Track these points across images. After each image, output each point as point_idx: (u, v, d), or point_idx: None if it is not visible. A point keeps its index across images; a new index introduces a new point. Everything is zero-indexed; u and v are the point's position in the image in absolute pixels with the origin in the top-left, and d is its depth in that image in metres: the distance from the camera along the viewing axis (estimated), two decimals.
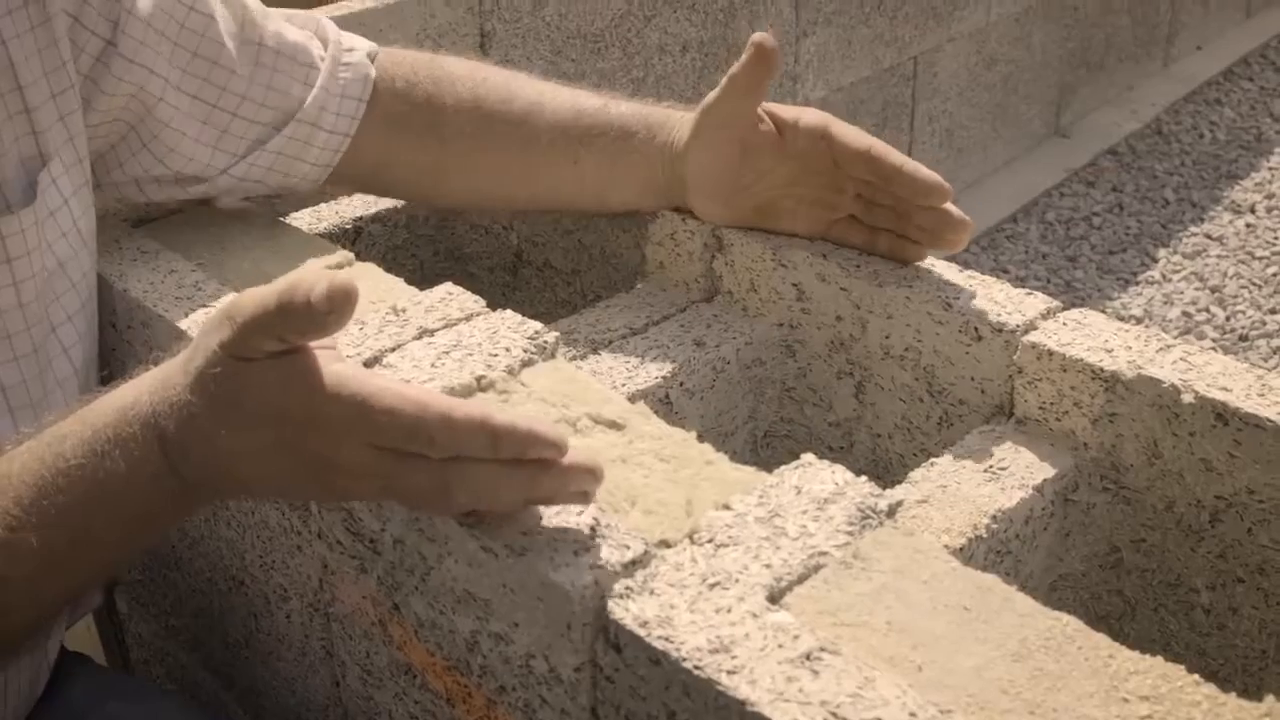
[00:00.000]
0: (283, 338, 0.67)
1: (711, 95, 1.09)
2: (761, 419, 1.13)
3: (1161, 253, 3.11)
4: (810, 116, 1.07)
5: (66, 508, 0.74)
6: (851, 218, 1.07)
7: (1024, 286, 2.56)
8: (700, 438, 0.84)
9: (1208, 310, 2.84)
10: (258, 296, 0.67)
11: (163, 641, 1.29)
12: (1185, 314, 2.85)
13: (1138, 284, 2.98)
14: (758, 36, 1.05)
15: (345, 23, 1.81)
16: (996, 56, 3.28)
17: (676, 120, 1.11)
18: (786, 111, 1.08)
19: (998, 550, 0.87)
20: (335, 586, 0.92)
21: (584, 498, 0.70)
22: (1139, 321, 2.82)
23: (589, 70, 2.19)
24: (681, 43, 2.37)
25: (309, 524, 0.92)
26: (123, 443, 0.73)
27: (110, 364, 1.10)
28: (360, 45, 1.15)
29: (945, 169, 3.13)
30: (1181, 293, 2.93)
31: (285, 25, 1.11)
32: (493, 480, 0.67)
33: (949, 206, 1.03)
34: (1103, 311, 2.80)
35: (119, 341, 1.09)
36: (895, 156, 1.04)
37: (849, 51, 2.77)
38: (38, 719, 1.01)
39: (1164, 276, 3.00)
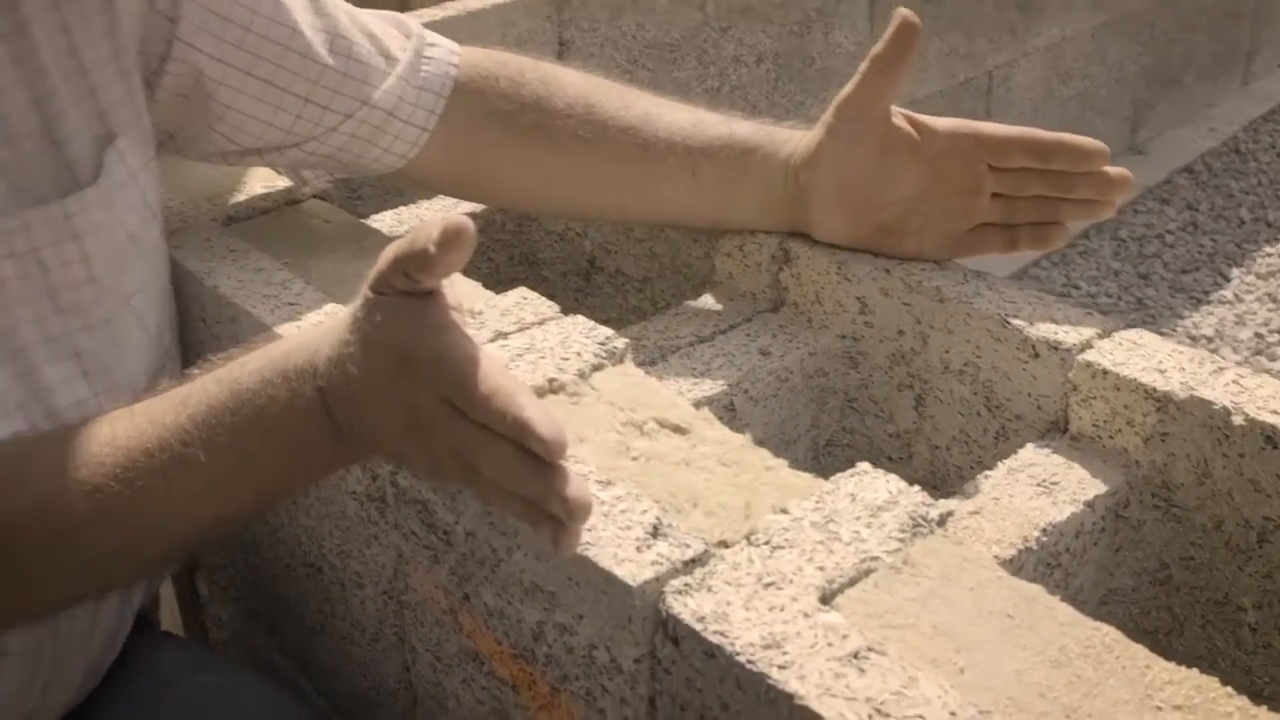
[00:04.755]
0: (410, 275, 0.72)
1: (847, 87, 1.08)
2: (824, 428, 1.16)
3: (1235, 272, 3.10)
4: (946, 119, 1.09)
5: (234, 429, 0.79)
6: (983, 225, 1.09)
7: (1095, 303, 2.55)
8: (761, 444, 0.87)
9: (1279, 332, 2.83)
10: (396, 242, 0.73)
11: (241, 624, 1.34)
12: (1257, 335, 2.84)
13: (1210, 303, 2.98)
14: (902, 11, 1.05)
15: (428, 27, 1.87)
16: (1072, 72, 3.28)
17: (799, 137, 1.11)
18: (920, 115, 1.09)
19: (1047, 562, 0.90)
20: (409, 575, 0.96)
21: (560, 529, 0.70)
22: (1210, 341, 2.82)
23: (664, 80, 2.23)
24: (756, 54, 2.40)
25: (385, 515, 0.96)
26: (287, 376, 0.79)
27: (198, 358, 1.15)
28: (445, 44, 1.15)
29: None
30: (1254, 313, 2.92)
31: (365, 15, 1.13)
32: (502, 459, 0.70)
33: (1106, 167, 1.05)
34: (1173, 330, 2.81)
35: (208, 335, 1.14)
36: (1050, 133, 1.06)
37: (923, 65, 2.79)
38: (127, 686, 1.07)
39: (1236, 297, 2.99)
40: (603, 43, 2.13)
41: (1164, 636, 1.00)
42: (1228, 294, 3.01)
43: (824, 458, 1.17)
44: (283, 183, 1.26)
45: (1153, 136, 3.67)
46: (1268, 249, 3.20)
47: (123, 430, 0.83)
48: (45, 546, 0.83)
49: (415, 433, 0.76)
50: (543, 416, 0.69)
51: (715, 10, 2.30)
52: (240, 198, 1.25)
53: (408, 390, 0.74)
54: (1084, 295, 2.94)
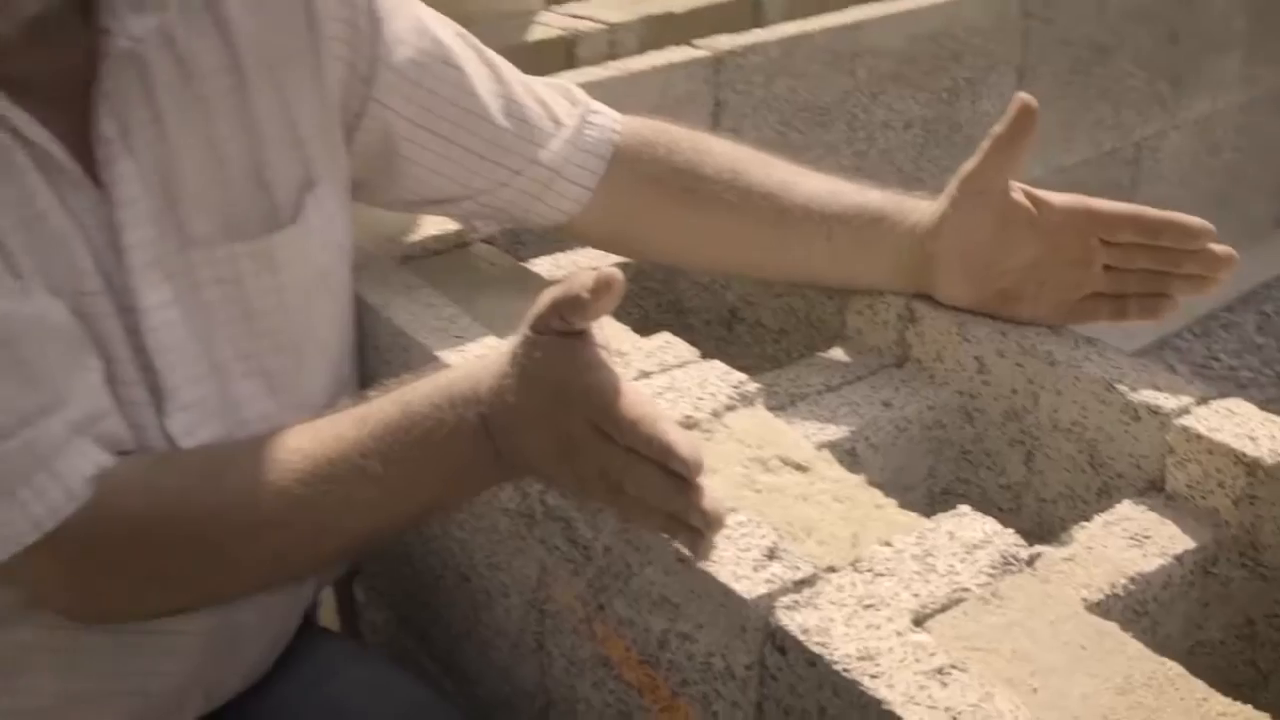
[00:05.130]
0: (565, 317, 0.84)
1: (970, 162, 1.18)
2: (939, 477, 1.24)
3: None
4: (1062, 194, 1.18)
5: (406, 446, 0.93)
6: (1095, 294, 1.18)
7: (1235, 376, 2.57)
8: (879, 487, 0.97)
9: None
10: (553, 287, 0.86)
11: (393, 629, 1.47)
12: None
13: None
14: (1021, 96, 1.14)
15: (591, 90, 1.98)
16: (1221, 144, 3.29)
17: (925, 206, 1.21)
18: (1037, 190, 1.18)
19: (1134, 609, 0.97)
20: (550, 586, 1.07)
21: (697, 538, 0.83)
22: None
23: (814, 142, 2.33)
24: (905, 119, 2.49)
25: (533, 530, 1.07)
26: (454, 402, 0.92)
27: (374, 380, 1.27)
28: (608, 112, 1.28)
29: None
30: None
31: (536, 83, 1.26)
32: (647, 478, 0.82)
33: (1213, 245, 1.14)
34: None
35: (381, 362, 1.27)
36: (1159, 211, 1.15)
37: (1070, 134, 2.84)
38: (292, 675, 1.19)
39: None
40: (756, 105, 2.24)
41: (1249, 690, 1.06)
42: None
43: (939, 505, 1.25)
44: (454, 226, 1.39)
45: None
46: None
47: (309, 441, 0.96)
48: (238, 539, 0.97)
49: (566, 456, 0.87)
50: (683, 439, 0.81)
51: (866, 77, 2.40)
52: (415, 239, 1.38)
53: (561, 418, 0.86)
54: (1224, 368, 2.96)
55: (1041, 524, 1.18)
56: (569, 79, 2.03)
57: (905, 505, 0.95)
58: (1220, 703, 0.75)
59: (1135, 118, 3.00)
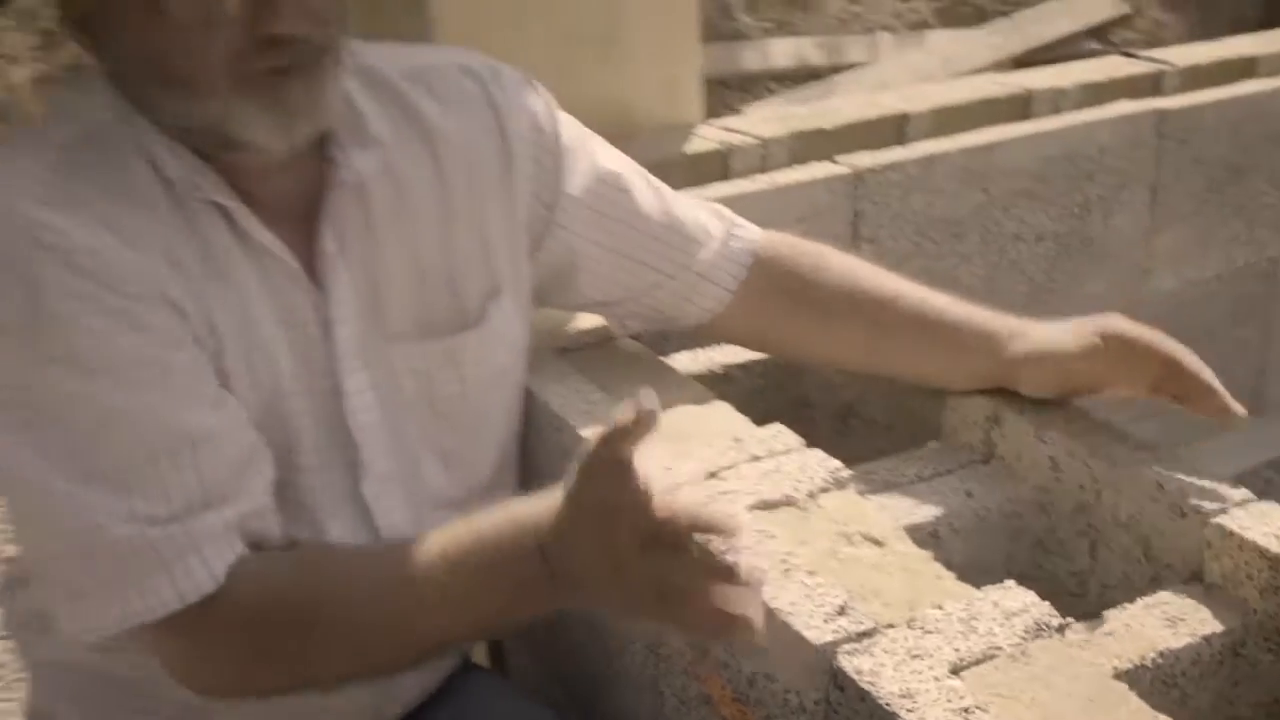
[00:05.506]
0: (609, 445, 0.98)
1: (1026, 354, 1.41)
2: (1015, 562, 1.41)
3: None
4: (1145, 330, 1.39)
5: (474, 565, 1.08)
6: None
7: None
8: (960, 568, 1.14)
9: None
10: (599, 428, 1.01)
11: (537, 671, 1.67)
12: None
13: None
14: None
15: (741, 200, 2.22)
16: None
17: (1018, 334, 1.42)
18: (1111, 323, 1.39)
19: (1164, 681, 1.13)
20: (665, 635, 1.26)
21: (739, 622, 0.96)
22: None
23: (947, 252, 2.50)
24: (1036, 233, 2.65)
25: None
26: (517, 530, 1.07)
27: (532, 456, 1.48)
28: (750, 227, 1.49)
29: None
30: None
31: (690, 201, 1.47)
32: (689, 565, 0.96)
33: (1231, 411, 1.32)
34: None
35: (538, 442, 1.47)
36: (1207, 384, 1.34)
37: (1203, 250, 2.96)
38: (447, 706, 1.40)
39: None
40: (893, 217, 2.42)
41: None
42: None
43: None
44: (603, 322, 1.60)
45: None
46: None
47: (398, 553, 1.13)
48: (331, 631, 1.12)
49: (618, 574, 1.00)
50: (716, 507, 0.97)
51: (999, 192, 2.57)
52: (571, 332, 1.59)
53: (609, 537, 0.99)
54: None
55: (1103, 607, 1.33)
56: (724, 190, 2.26)
57: (980, 585, 1.12)
58: None
59: (1269, 234, 3.10)
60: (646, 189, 1.43)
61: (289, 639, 1.11)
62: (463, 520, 1.12)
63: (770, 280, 1.46)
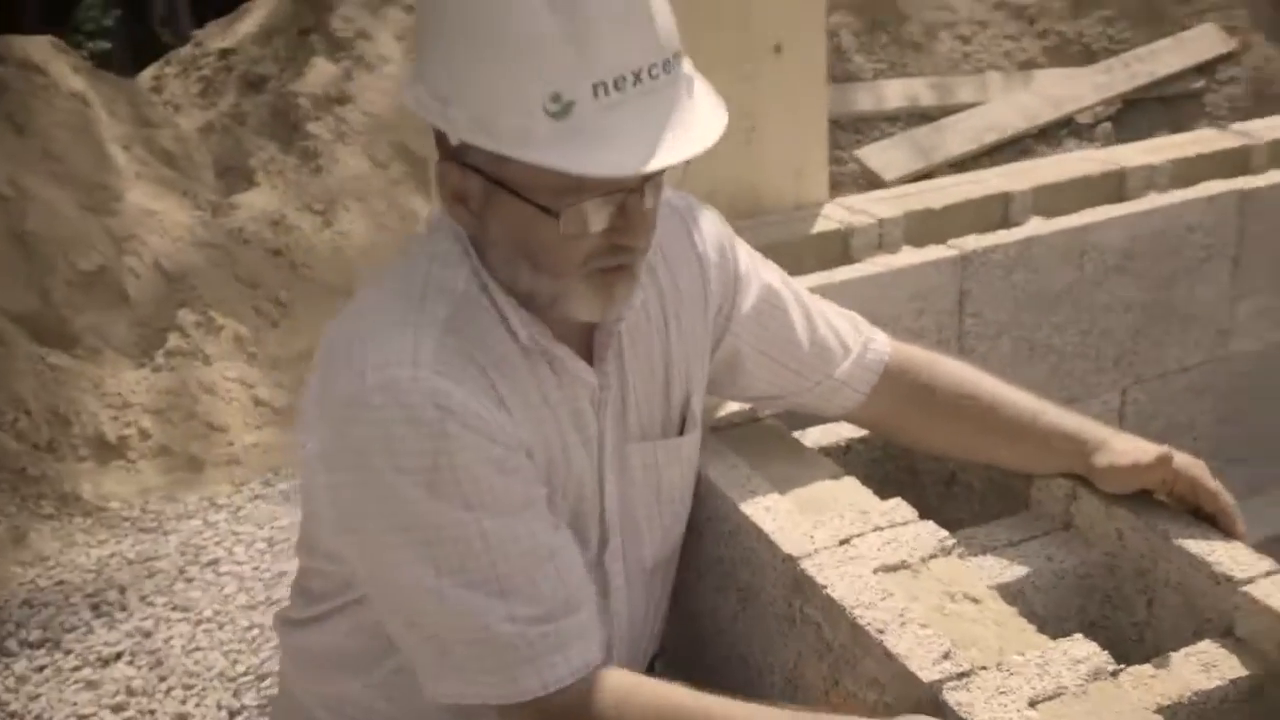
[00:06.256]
0: None
1: (1108, 465, 1.71)
2: (1086, 614, 1.73)
3: None
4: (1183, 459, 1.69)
5: None
6: None
7: None
8: (1040, 619, 1.47)
9: None
10: None
11: None
12: None
13: None
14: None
15: (864, 282, 2.56)
16: None
17: (1102, 447, 1.72)
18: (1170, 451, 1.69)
19: (1198, 715, 1.45)
20: (802, 667, 1.61)
21: None
22: None
23: (1043, 322, 2.81)
24: (1125, 303, 2.95)
25: (793, 628, 1.61)
26: None
27: (693, 512, 1.82)
28: (881, 337, 1.81)
29: None
30: None
31: (833, 314, 1.80)
32: None
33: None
34: None
35: (698, 504, 1.82)
36: (1217, 504, 1.65)
37: (1231, 324, 3.21)
38: None
39: None
40: (995, 293, 2.74)
41: None
42: None
43: (1088, 635, 1.73)
44: (748, 407, 1.94)
45: None
46: None
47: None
48: None
49: None
50: None
51: (1092, 269, 2.87)
52: (722, 415, 1.94)
53: None
54: None
55: (1157, 650, 1.65)
56: (848, 274, 2.59)
57: (1058, 634, 1.45)
58: None
59: None
60: (798, 307, 1.76)
61: None
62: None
63: (894, 387, 1.79)
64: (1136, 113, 7.15)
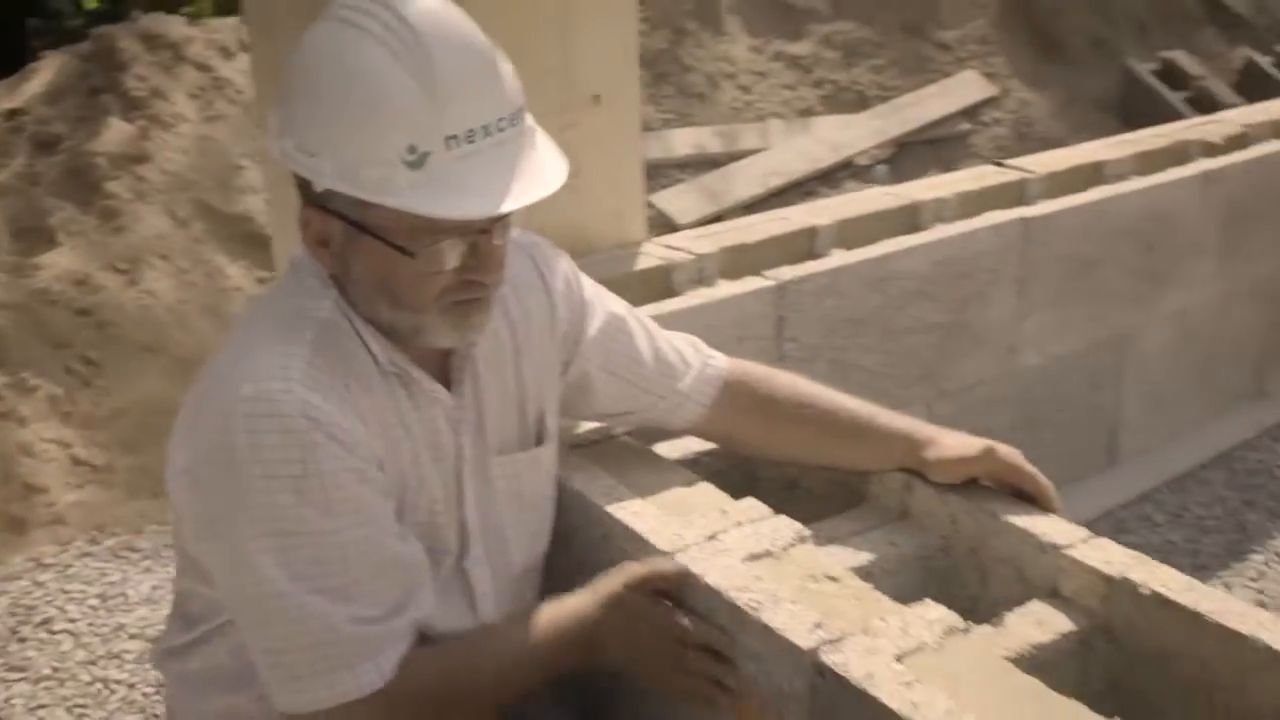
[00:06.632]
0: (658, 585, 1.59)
1: (938, 458, 1.90)
2: (928, 591, 1.90)
3: None
4: (1012, 454, 1.88)
5: (551, 645, 1.63)
6: None
7: (1201, 524, 3.25)
8: (883, 593, 1.64)
9: None
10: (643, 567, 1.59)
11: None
12: None
13: None
14: None
15: (690, 313, 2.74)
16: (1199, 331, 3.96)
17: (932, 442, 1.91)
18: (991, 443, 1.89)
19: (1035, 665, 1.62)
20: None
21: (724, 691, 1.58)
22: None
23: (852, 345, 3.04)
24: (926, 325, 3.20)
25: None
26: (575, 623, 1.63)
27: (558, 523, 1.95)
28: (719, 356, 1.98)
29: (1147, 424, 3.84)
30: None
31: (674, 337, 1.97)
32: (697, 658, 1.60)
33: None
34: (1264, 548, 3.44)
35: (564, 514, 1.95)
36: (1043, 487, 1.86)
37: (1063, 329, 3.54)
38: None
39: None
40: (808, 319, 2.95)
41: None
42: None
43: None
44: (602, 426, 2.08)
45: (1278, 385, 4.31)
46: None
47: (510, 639, 1.66)
48: (476, 696, 1.63)
49: (634, 648, 1.60)
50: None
51: (895, 293, 3.11)
52: (580, 432, 2.08)
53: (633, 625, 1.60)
54: (1192, 518, 3.61)
55: (993, 618, 1.84)
56: (674, 305, 2.76)
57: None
58: (1060, 701, 1.41)
59: (1120, 313, 3.69)
60: (642, 330, 1.92)
61: (445, 703, 1.60)
62: (543, 612, 1.67)
63: (735, 399, 1.96)
64: (909, 155, 7.57)
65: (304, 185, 1.54)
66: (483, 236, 1.53)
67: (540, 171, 1.54)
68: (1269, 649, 1.52)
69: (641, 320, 1.94)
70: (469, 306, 1.57)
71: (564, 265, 1.86)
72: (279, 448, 1.48)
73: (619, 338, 1.89)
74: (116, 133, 5.62)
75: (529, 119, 1.55)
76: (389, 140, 1.45)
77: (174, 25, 6.32)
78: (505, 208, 1.48)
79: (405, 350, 1.61)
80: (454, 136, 1.45)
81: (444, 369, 1.68)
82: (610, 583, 1.66)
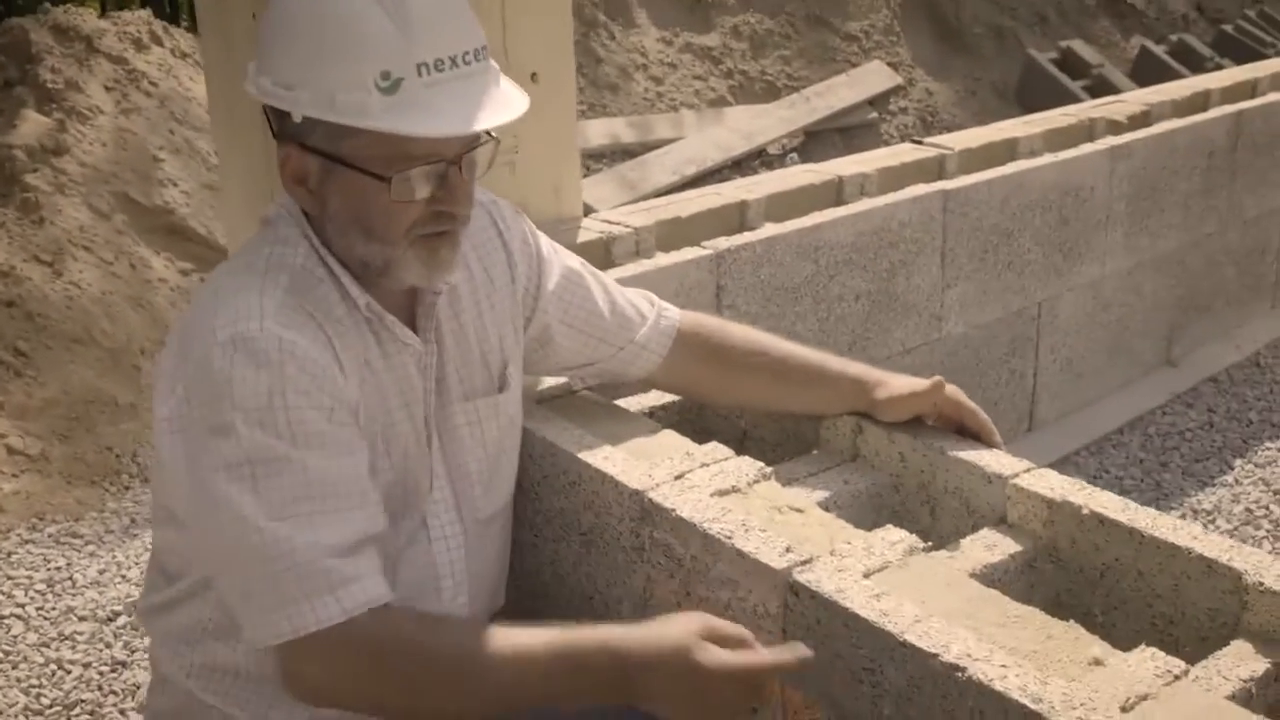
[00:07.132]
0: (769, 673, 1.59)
1: (888, 398, 2.01)
2: (882, 524, 2.02)
3: (1238, 462, 3.91)
4: (956, 392, 2.00)
5: (564, 673, 1.56)
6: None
7: (1121, 484, 3.41)
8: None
9: (1267, 508, 3.62)
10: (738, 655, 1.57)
11: None
12: (1248, 510, 3.63)
13: (1214, 486, 3.78)
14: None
15: (632, 281, 2.83)
16: (1111, 301, 4.14)
17: (881, 383, 2.02)
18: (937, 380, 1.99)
19: (989, 579, 1.75)
20: (653, 589, 1.84)
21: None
22: (1209, 514, 3.62)
23: (788, 312, 3.15)
24: (855, 293, 3.32)
25: (643, 556, 1.84)
26: (609, 658, 1.57)
27: (526, 474, 2.04)
28: (673, 309, 2.08)
29: (1064, 390, 4.00)
30: (1248, 494, 3.72)
31: (629, 291, 2.06)
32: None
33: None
34: (1180, 505, 3.61)
35: (532, 465, 2.04)
36: (982, 424, 1.98)
37: (984, 299, 3.68)
38: None
39: (1236, 480, 3.79)
40: (746, 287, 3.06)
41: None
42: (1229, 479, 3.82)
43: None
44: (565, 381, 2.17)
45: (1185, 352, 4.50)
46: (1269, 444, 4.01)
47: (507, 644, 1.59)
48: (438, 684, 1.55)
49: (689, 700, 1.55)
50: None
51: (826, 263, 3.23)
52: (544, 388, 2.16)
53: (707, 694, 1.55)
54: (1112, 479, 3.77)
55: (943, 543, 1.96)
56: (619, 274, 2.84)
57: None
58: (1015, 605, 1.53)
59: (1037, 284, 3.85)
60: (598, 284, 2.01)
61: (405, 676, 1.55)
62: (561, 631, 1.59)
63: (689, 348, 2.05)
64: (819, 143, 7.73)
65: (282, 122, 1.62)
66: (451, 169, 1.62)
67: (506, 100, 1.64)
68: (1201, 557, 1.65)
69: (597, 275, 2.03)
70: (438, 240, 1.65)
71: (522, 224, 1.95)
72: (249, 380, 1.54)
73: (577, 291, 1.98)
74: (33, 125, 5.58)
75: (493, 62, 1.65)
76: (363, 68, 1.53)
77: (86, 18, 6.28)
78: (475, 127, 1.58)
79: (376, 296, 1.68)
80: (424, 64, 1.54)
81: (410, 316, 1.75)
82: (674, 630, 1.58)
